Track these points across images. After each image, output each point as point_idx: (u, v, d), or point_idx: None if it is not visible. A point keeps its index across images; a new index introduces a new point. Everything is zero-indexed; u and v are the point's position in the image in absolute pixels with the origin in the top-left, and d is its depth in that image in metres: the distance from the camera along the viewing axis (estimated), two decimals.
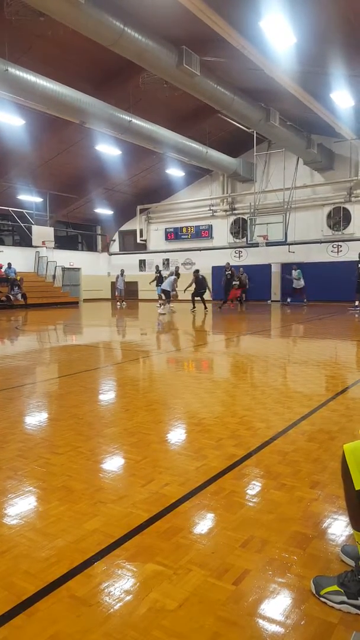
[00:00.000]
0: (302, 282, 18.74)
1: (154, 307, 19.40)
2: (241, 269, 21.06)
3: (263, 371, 6.37)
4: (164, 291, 16.95)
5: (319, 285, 19.63)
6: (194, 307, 17.13)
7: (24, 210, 21.89)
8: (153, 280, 20.93)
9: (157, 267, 21.90)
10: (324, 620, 1.65)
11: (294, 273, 18.67)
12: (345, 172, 19.48)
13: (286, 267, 20.84)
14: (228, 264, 20.08)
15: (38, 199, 22.17)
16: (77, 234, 27.16)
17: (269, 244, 19.87)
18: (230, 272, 19.54)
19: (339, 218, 20.20)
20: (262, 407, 4.35)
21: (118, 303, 20.93)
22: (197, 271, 17.59)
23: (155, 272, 20.96)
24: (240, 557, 2.00)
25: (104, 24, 9.27)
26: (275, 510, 2.40)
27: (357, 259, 16.74)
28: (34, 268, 23.46)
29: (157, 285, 20.24)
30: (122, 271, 21.22)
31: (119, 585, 1.82)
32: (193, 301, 17.29)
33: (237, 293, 19.31)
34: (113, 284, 23.74)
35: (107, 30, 9.44)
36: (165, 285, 16.89)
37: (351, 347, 8.67)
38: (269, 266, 21.13)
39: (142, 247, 26.32)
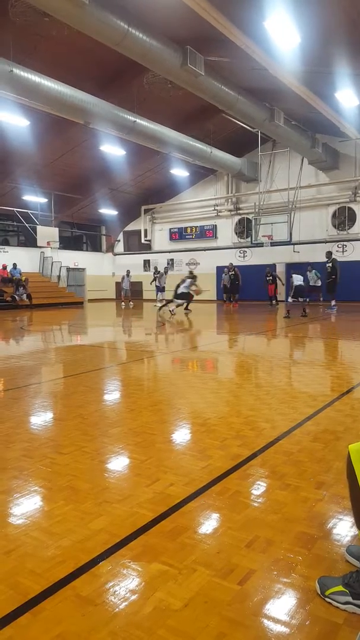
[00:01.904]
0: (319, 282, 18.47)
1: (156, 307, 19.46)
2: (226, 269, 21.25)
3: (268, 371, 6.36)
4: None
5: (323, 285, 19.55)
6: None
7: (29, 211, 21.95)
8: (153, 280, 20.98)
9: (155, 267, 21.97)
10: (329, 621, 1.65)
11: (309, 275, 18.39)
12: (350, 172, 19.41)
13: (288, 268, 20.77)
14: (231, 264, 20.14)
15: (43, 200, 22.23)
16: (82, 234, 27.20)
17: (274, 244, 19.85)
18: (233, 272, 19.59)
19: (344, 218, 20.13)
20: (266, 407, 4.34)
21: (123, 303, 20.94)
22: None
23: (155, 273, 21.03)
24: (245, 557, 2.00)
25: (109, 25, 9.29)
26: (280, 511, 2.40)
27: (326, 259, 16.18)
28: (39, 268, 23.53)
29: (156, 285, 20.44)
30: (128, 272, 21.22)
31: (125, 585, 1.83)
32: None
33: (272, 290, 19.42)
34: (118, 284, 23.78)
35: (112, 31, 9.45)
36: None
37: (356, 347, 8.64)
38: (273, 266, 21.08)
39: (147, 247, 26.33)
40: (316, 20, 9.66)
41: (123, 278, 21.12)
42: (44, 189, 21.57)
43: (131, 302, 20.80)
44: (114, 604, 1.72)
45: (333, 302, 16.00)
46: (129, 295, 20.91)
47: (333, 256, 16.19)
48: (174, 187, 24.08)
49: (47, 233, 22.33)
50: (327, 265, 16.07)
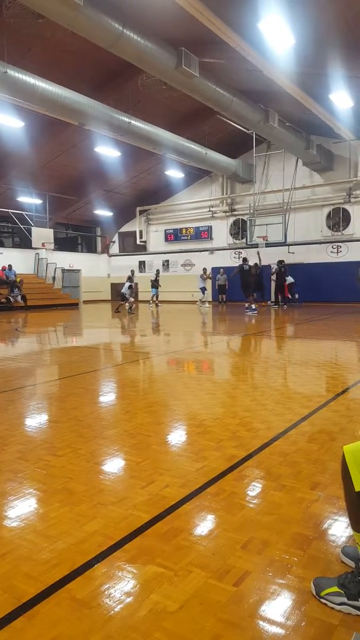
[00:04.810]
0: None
1: (151, 308, 19.48)
2: (221, 269, 21.29)
3: (263, 372, 6.37)
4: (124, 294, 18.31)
5: (318, 286, 19.69)
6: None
7: (24, 212, 21.90)
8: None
9: (157, 270, 21.97)
10: (324, 622, 1.65)
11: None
12: (345, 173, 19.49)
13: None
14: (256, 264, 19.74)
15: (37, 201, 22.19)
16: (77, 235, 27.16)
17: (269, 245, 19.89)
18: (279, 268, 19.36)
19: (338, 219, 20.21)
20: (262, 408, 4.34)
21: (127, 305, 20.81)
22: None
23: (156, 275, 21.08)
24: (240, 559, 2.00)
25: (103, 26, 9.29)
26: (275, 512, 2.40)
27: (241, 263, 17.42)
28: (34, 270, 23.48)
29: (152, 287, 20.46)
30: (133, 272, 21.00)
31: (120, 587, 1.82)
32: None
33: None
34: (117, 286, 23.66)
35: (106, 32, 9.45)
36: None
37: (351, 348, 8.66)
38: (268, 267, 21.12)
39: (142, 249, 26.32)
40: (310, 22, 9.70)
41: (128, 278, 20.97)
42: (39, 190, 21.53)
43: (127, 304, 20.73)
44: (109, 606, 1.72)
45: (254, 306, 16.63)
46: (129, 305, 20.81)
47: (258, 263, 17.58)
48: (169, 189, 24.09)
49: (42, 234, 22.29)
50: (244, 267, 17.20)
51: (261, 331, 11.51)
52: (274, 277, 19.47)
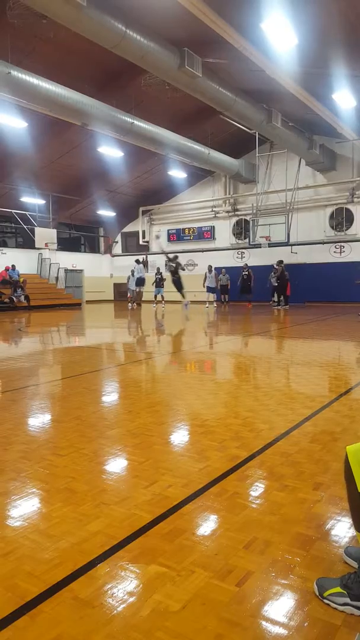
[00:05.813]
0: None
1: (155, 308, 19.50)
2: (223, 269, 21.26)
3: (266, 372, 6.36)
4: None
5: (321, 286, 19.68)
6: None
7: (27, 212, 21.93)
8: (154, 282, 20.99)
9: (157, 268, 21.97)
10: (327, 622, 1.64)
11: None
12: (348, 173, 19.46)
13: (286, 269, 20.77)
14: (246, 264, 20.46)
15: (41, 201, 22.21)
16: (80, 235, 27.18)
17: (272, 245, 19.88)
18: (247, 272, 19.77)
19: (341, 219, 20.17)
20: (265, 409, 4.34)
21: (129, 304, 20.83)
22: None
23: (156, 274, 21.04)
24: (243, 559, 2.00)
25: (106, 26, 9.30)
26: (278, 512, 2.40)
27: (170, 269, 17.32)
28: (37, 270, 23.51)
29: (156, 287, 20.41)
30: (133, 271, 20.95)
31: (122, 587, 1.82)
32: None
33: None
34: (120, 285, 23.65)
35: (109, 33, 9.47)
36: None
37: (354, 348, 8.65)
38: (271, 267, 21.12)
39: (145, 249, 26.32)
40: (313, 22, 9.69)
41: (128, 277, 20.97)
42: (42, 190, 21.56)
43: (135, 304, 20.74)
44: (111, 606, 1.72)
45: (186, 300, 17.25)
46: (134, 296, 20.82)
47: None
48: (172, 189, 24.09)
49: (45, 234, 22.31)
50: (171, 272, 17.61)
51: (263, 331, 11.50)
52: (276, 276, 19.37)
